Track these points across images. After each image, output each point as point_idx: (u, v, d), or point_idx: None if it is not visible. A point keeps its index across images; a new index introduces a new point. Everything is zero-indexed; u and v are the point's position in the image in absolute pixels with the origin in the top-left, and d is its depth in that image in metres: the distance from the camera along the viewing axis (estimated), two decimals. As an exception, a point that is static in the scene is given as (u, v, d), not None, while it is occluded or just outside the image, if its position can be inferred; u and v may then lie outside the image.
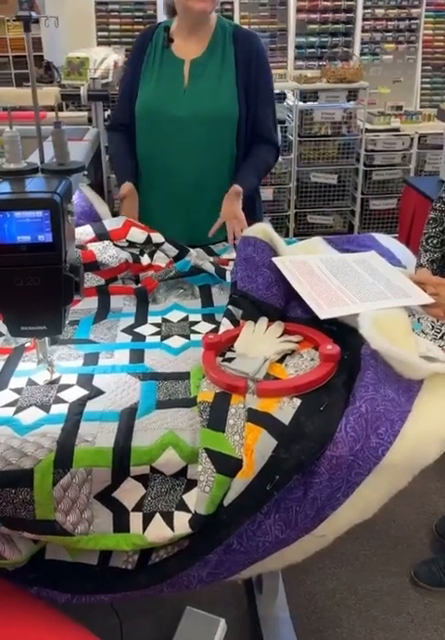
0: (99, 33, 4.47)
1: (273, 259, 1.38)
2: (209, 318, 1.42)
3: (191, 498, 0.99)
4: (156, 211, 1.90)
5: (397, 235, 3.26)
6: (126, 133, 1.91)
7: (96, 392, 1.14)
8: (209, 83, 1.82)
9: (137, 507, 1.01)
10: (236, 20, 4.49)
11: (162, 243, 1.63)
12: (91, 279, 1.52)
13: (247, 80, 1.83)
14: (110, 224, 1.65)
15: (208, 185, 1.86)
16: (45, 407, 1.10)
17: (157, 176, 1.87)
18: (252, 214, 1.95)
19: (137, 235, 1.62)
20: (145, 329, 1.37)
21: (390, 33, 4.64)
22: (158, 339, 1.34)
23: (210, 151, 1.84)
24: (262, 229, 1.45)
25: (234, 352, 1.19)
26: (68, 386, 1.17)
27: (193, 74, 1.83)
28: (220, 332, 1.24)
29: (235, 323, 1.27)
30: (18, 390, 1.15)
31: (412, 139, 4.26)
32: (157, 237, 1.64)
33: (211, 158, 1.85)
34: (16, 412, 1.09)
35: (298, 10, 4.50)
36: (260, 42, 1.91)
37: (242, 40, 1.84)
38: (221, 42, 1.84)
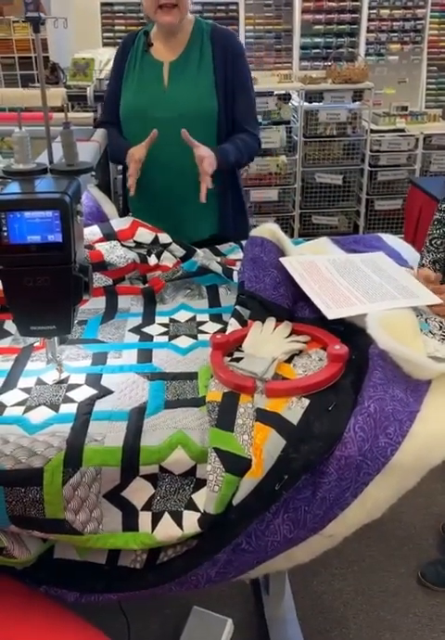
0: (105, 34, 4.48)
1: (281, 259, 1.38)
2: (216, 318, 1.42)
3: (200, 497, 0.99)
4: (143, 208, 1.92)
5: (402, 235, 3.25)
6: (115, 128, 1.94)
7: (105, 392, 1.14)
8: (187, 83, 1.87)
9: (146, 507, 1.01)
10: (241, 21, 4.49)
11: (169, 243, 1.64)
12: (98, 279, 1.52)
13: (225, 76, 1.87)
14: (118, 224, 1.66)
15: (191, 181, 1.88)
16: (55, 407, 1.11)
17: (143, 175, 1.90)
18: (241, 212, 2.00)
19: (144, 235, 1.63)
20: (152, 329, 1.38)
21: (395, 34, 4.63)
22: (165, 338, 1.34)
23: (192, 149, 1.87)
24: (270, 229, 1.46)
25: (242, 351, 1.19)
26: (76, 385, 1.17)
27: (172, 76, 1.87)
28: (227, 332, 1.24)
29: (243, 323, 1.28)
30: (27, 390, 1.16)
31: (417, 140, 4.25)
32: (164, 238, 1.64)
33: (193, 153, 1.87)
34: (25, 411, 1.10)
35: (304, 11, 4.50)
36: (237, 38, 1.96)
37: (219, 38, 1.89)
38: (198, 42, 1.88)
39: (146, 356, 1.27)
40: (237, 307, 1.31)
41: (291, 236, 4.33)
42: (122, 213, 1.95)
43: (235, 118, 1.91)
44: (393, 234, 1.71)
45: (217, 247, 1.76)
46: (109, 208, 1.77)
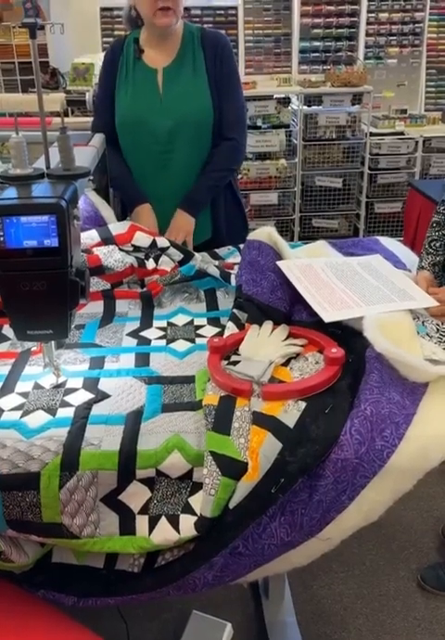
0: (104, 39, 4.49)
1: (278, 262, 1.39)
2: (214, 322, 1.42)
3: (197, 501, 0.99)
4: None
5: (402, 238, 3.25)
6: (111, 143, 1.90)
7: (102, 396, 1.14)
8: (183, 89, 1.87)
9: (143, 510, 1.01)
10: (241, 25, 4.50)
11: (167, 247, 1.64)
12: (96, 283, 1.52)
13: (216, 79, 1.87)
14: (115, 228, 1.66)
15: (187, 187, 1.90)
16: (52, 411, 1.11)
17: (140, 181, 1.90)
18: (238, 216, 2.03)
19: (142, 239, 1.62)
20: (150, 333, 1.38)
21: (394, 37, 4.64)
22: (163, 342, 1.34)
23: (190, 153, 1.89)
24: (267, 233, 1.46)
25: (239, 355, 1.19)
26: (74, 390, 1.17)
27: (166, 82, 1.87)
28: (225, 336, 1.24)
29: (241, 326, 1.28)
30: (24, 394, 1.16)
31: (416, 142, 4.26)
32: (162, 242, 1.64)
33: (191, 159, 1.90)
34: (22, 415, 1.10)
35: (303, 15, 4.51)
36: (227, 40, 1.95)
37: (209, 41, 1.89)
38: (190, 47, 1.88)
39: (143, 360, 1.27)
40: (235, 310, 1.32)
41: (291, 239, 4.33)
42: (120, 217, 1.95)
43: (220, 121, 1.89)
44: (393, 237, 1.71)
45: (215, 250, 1.76)
46: (107, 212, 1.77)
